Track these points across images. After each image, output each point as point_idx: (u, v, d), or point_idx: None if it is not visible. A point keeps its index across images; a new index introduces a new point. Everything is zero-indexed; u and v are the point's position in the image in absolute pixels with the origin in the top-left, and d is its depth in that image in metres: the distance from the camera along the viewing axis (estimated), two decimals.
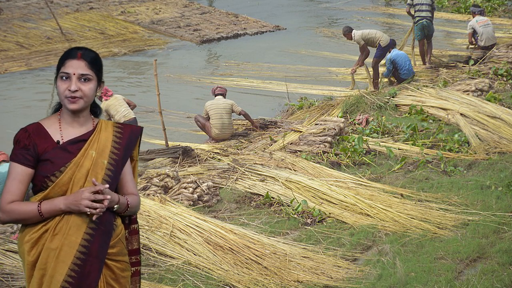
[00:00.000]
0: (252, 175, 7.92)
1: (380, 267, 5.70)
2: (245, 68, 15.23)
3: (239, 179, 7.89)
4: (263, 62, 15.56)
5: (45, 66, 15.99)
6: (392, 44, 12.65)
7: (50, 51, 17.12)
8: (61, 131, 3.13)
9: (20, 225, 3.16)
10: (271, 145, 9.50)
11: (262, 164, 8.21)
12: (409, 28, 14.75)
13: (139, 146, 3.32)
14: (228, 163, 8.41)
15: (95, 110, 3.25)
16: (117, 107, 9.74)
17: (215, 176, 8.05)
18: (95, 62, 3.15)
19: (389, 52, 12.53)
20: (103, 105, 9.62)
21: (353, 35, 12.68)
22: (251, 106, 11.73)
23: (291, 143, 9.35)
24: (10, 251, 5.88)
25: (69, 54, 3.13)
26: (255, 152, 9.01)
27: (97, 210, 2.99)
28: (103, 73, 3.22)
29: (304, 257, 5.96)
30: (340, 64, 14.92)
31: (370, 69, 12.77)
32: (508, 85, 11.70)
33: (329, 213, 6.94)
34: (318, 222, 6.80)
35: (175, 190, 7.54)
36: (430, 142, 9.08)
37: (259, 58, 15.98)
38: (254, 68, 15.08)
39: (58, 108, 3.21)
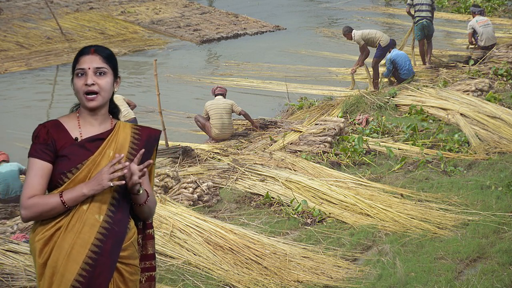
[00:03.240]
0: (252, 175, 7.92)
1: (380, 267, 5.70)
2: (245, 68, 15.23)
3: (239, 179, 7.89)
4: (263, 62, 15.56)
5: (45, 66, 16.00)
6: (392, 44, 12.65)
7: (50, 51, 17.13)
8: (80, 129, 3.12)
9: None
10: (271, 145, 9.50)
11: (262, 164, 8.21)
12: (409, 28, 14.75)
13: (156, 150, 3.29)
14: (228, 163, 8.41)
15: (114, 111, 3.24)
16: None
17: (215, 176, 8.05)
18: (109, 56, 3.16)
19: (389, 52, 12.53)
20: None
21: (353, 35, 12.68)
22: (251, 106, 11.73)
23: (291, 143, 9.35)
24: (10, 251, 5.88)
25: (83, 51, 3.14)
26: (255, 152, 9.01)
27: (119, 174, 2.96)
28: (118, 69, 3.22)
29: (304, 257, 5.97)
30: (340, 64, 14.92)
31: (370, 69, 12.77)
32: (508, 85, 11.69)
33: (329, 213, 6.94)
34: (318, 222, 6.80)
35: (175, 190, 7.54)
36: (430, 142, 9.08)
37: (259, 58, 15.98)
38: (254, 68, 15.08)
39: (77, 108, 3.21)
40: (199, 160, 8.94)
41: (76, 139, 3.09)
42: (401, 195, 7.30)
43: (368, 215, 6.83)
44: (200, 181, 7.65)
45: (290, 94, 12.58)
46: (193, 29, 19.21)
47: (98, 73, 3.10)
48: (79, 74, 3.10)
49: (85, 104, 3.10)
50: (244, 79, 14.12)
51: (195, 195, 7.37)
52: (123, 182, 3.01)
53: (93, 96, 3.09)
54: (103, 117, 3.16)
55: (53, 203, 2.99)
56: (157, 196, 7.10)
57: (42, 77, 15.38)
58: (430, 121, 9.95)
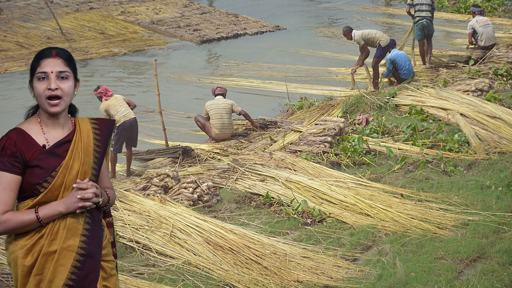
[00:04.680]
0: (252, 175, 7.92)
1: (380, 267, 5.70)
2: (245, 68, 15.22)
3: (239, 179, 7.89)
4: (263, 62, 15.56)
5: None
6: (392, 44, 12.65)
7: None
8: (45, 135, 3.06)
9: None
10: (271, 145, 9.50)
11: (262, 164, 8.21)
12: (409, 28, 14.75)
13: (111, 140, 3.32)
14: (228, 163, 8.41)
15: (71, 110, 3.20)
16: (117, 107, 9.73)
17: (215, 176, 8.05)
18: (70, 59, 3.11)
19: (389, 52, 12.53)
20: (103, 105, 9.61)
21: (353, 35, 12.67)
22: (251, 106, 11.73)
23: (291, 143, 9.35)
24: None
25: (43, 54, 3.08)
26: (255, 152, 9.01)
27: (88, 203, 3.01)
28: (77, 72, 3.18)
29: (304, 257, 5.96)
30: (340, 64, 14.91)
31: (370, 69, 12.77)
32: (508, 85, 11.69)
33: (329, 213, 6.94)
34: (318, 222, 6.80)
35: (175, 190, 7.54)
36: (430, 142, 9.08)
37: (259, 58, 15.98)
38: (254, 68, 15.08)
39: (34, 111, 3.14)
40: (199, 160, 8.95)
41: (44, 146, 3.04)
42: (401, 195, 7.30)
43: (368, 215, 6.83)
44: (200, 181, 7.64)
45: (290, 94, 12.58)
46: (193, 29, 19.21)
47: (60, 77, 3.05)
48: (41, 78, 3.03)
49: (47, 109, 3.05)
50: (244, 79, 14.12)
51: (195, 195, 7.37)
52: (94, 206, 3.08)
53: (57, 101, 3.03)
54: (64, 119, 3.12)
55: (28, 220, 2.96)
56: (157, 196, 7.10)
57: None
58: (430, 121, 9.95)
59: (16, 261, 2.99)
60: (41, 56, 3.07)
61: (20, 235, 3.00)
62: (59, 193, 3.02)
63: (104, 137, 3.18)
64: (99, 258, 3.08)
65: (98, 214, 3.16)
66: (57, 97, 3.04)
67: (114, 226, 3.69)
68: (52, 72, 3.03)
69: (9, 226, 2.95)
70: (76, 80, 3.14)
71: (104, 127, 3.21)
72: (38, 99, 3.05)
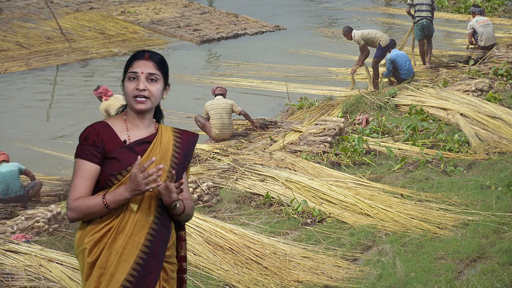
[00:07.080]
0: (252, 175, 7.93)
1: (380, 267, 5.71)
2: (245, 68, 15.22)
3: (239, 179, 7.89)
4: (263, 62, 15.55)
5: (45, 66, 16.00)
6: (392, 44, 12.65)
7: (50, 51, 17.12)
8: (128, 131, 3.15)
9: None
10: (271, 145, 9.49)
11: (262, 164, 8.21)
12: (409, 28, 14.75)
13: (192, 153, 3.35)
14: (228, 163, 8.41)
15: (158, 115, 3.27)
16: (117, 107, 9.74)
17: (215, 176, 8.05)
18: (162, 63, 3.20)
19: (389, 52, 12.52)
20: (103, 105, 9.61)
21: (353, 35, 12.67)
22: (251, 106, 11.72)
23: (291, 143, 9.35)
24: (10, 251, 5.88)
25: (137, 55, 3.18)
26: (255, 152, 9.01)
27: (154, 177, 2.97)
28: (169, 76, 3.25)
29: (304, 257, 5.97)
30: (340, 64, 14.91)
31: (370, 69, 12.77)
32: (508, 85, 11.69)
33: (329, 213, 6.94)
34: (318, 222, 6.80)
35: None
36: (430, 142, 9.08)
37: (259, 58, 15.97)
38: (254, 68, 15.08)
39: (122, 110, 3.24)
40: (199, 160, 8.94)
41: (125, 141, 3.12)
42: (401, 195, 7.30)
43: (368, 215, 6.83)
44: (200, 181, 7.65)
45: (290, 94, 12.58)
46: (193, 29, 19.20)
47: (150, 79, 3.14)
48: (131, 78, 3.13)
49: (133, 106, 3.14)
50: (244, 79, 14.12)
51: (195, 195, 7.37)
52: (160, 183, 3.03)
53: (143, 99, 3.12)
54: (149, 121, 3.21)
55: (96, 206, 3.02)
56: None
57: (42, 77, 15.37)
58: (430, 121, 9.95)
59: (83, 254, 3.06)
60: (134, 57, 3.18)
61: (89, 227, 3.05)
62: None
63: (184, 147, 3.23)
64: (162, 258, 3.10)
65: (168, 216, 3.16)
66: (144, 97, 3.13)
67: None
68: (142, 73, 3.13)
69: (80, 211, 3.02)
70: (167, 84, 3.22)
71: (186, 138, 3.26)
72: (126, 97, 3.15)
